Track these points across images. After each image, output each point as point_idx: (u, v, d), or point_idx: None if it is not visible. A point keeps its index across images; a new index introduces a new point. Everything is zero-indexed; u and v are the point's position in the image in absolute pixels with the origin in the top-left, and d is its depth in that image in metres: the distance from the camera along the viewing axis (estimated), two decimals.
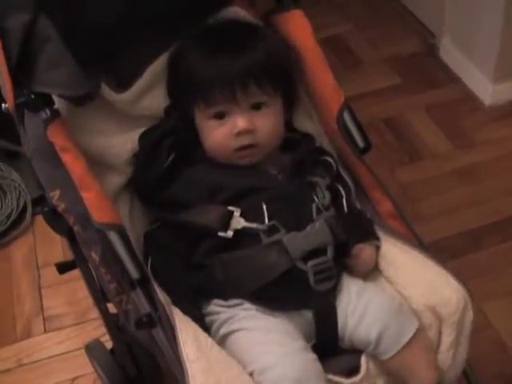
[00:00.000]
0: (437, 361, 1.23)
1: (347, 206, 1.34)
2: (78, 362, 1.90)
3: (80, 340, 1.95)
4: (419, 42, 2.74)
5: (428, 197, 2.18)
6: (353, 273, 1.30)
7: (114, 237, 1.12)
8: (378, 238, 1.32)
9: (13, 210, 2.24)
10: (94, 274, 1.37)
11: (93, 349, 1.78)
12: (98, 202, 1.15)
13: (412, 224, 1.33)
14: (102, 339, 1.80)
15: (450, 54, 2.59)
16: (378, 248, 1.30)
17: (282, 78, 1.29)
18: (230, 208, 1.22)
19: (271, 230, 1.21)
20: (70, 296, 2.08)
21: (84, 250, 1.25)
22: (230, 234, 1.21)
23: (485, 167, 2.26)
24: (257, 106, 1.26)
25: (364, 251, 1.29)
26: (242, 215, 1.22)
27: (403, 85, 2.57)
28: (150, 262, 1.24)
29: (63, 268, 1.56)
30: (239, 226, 1.21)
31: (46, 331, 2.02)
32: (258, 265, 1.20)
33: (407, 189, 2.20)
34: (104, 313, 1.54)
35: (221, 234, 1.21)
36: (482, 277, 1.95)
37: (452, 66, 2.59)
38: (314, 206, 1.26)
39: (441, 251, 1.97)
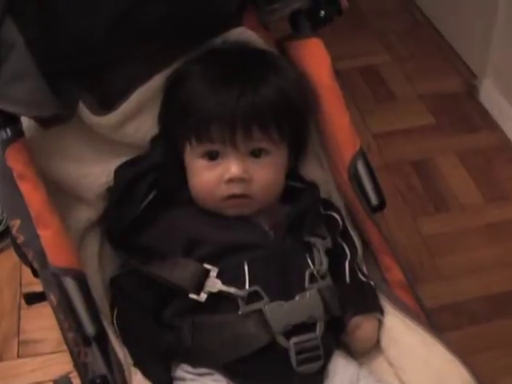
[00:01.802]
0: None
1: (350, 270, 1.21)
2: None
3: (54, 371, 1.80)
4: (459, 81, 2.60)
5: (451, 253, 2.02)
6: (350, 350, 1.17)
7: (69, 284, 1.02)
8: (381, 311, 1.18)
9: (0, 223, 2.10)
10: None
11: None
12: (56, 243, 1.03)
13: (422, 300, 1.20)
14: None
15: (491, 97, 2.46)
16: (380, 322, 1.18)
17: (292, 124, 1.15)
18: (207, 266, 1.10)
19: (252, 297, 1.08)
20: (49, 320, 1.90)
21: (45, 290, 1.12)
22: (202, 297, 1.08)
23: None
24: (257, 153, 1.13)
25: (362, 327, 1.16)
26: (219, 276, 1.09)
27: (436, 126, 2.42)
28: (115, 314, 1.14)
29: (31, 299, 1.41)
30: (214, 290, 1.08)
31: (18, 356, 1.88)
32: (233, 335, 1.07)
33: (429, 242, 2.04)
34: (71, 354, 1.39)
35: (192, 296, 1.08)
36: (502, 349, 1.80)
37: (491, 111, 2.46)
38: (307, 272, 1.12)
39: (459, 315, 1.84)
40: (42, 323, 1.93)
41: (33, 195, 1.03)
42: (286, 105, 1.12)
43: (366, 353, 1.17)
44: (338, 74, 1.23)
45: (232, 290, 1.08)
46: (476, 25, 2.50)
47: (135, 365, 1.08)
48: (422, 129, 2.42)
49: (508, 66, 2.37)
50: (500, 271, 1.97)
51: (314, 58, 1.21)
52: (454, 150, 2.34)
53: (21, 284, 2.03)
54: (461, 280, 1.94)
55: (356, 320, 1.15)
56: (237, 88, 1.09)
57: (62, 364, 1.81)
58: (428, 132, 2.40)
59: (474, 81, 2.54)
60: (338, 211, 1.24)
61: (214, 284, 1.08)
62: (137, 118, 1.19)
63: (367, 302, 1.18)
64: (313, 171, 1.27)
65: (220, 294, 1.08)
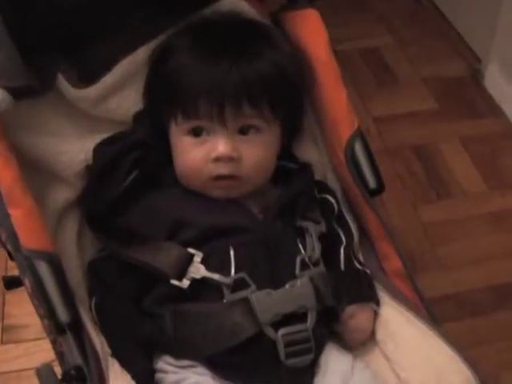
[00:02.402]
0: None
1: (345, 257, 1.14)
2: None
3: (37, 358, 1.75)
4: (463, 65, 2.57)
5: (453, 241, 1.98)
6: (343, 342, 1.10)
7: (42, 268, 0.96)
8: (377, 302, 1.12)
9: None
10: None
11: (42, 374, 1.58)
12: (27, 223, 0.97)
13: (422, 290, 1.13)
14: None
15: (496, 82, 2.42)
16: (376, 313, 1.12)
17: (286, 100, 1.09)
18: (191, 251, 1.03)
19: (238, 285, 1.02)
20: None
21: (20, 274, 1.06)
22: (185, 283, 1.02)
23: None
24: (246, 130, 1.06)
25: (357, 316, 1.10)
26: (203, 262, 1.03)
27: (440, 110, 2.37)
28: (93, 301, 1.08)
29: (10, 283, 1.35)
30: (198, 276, 1.02)
31: (2, 343, 1.83)
32: (217, 325, 1.01)
33: (429, 230, 2.00)
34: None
35: (174, 282, 1.02)
36: (505, 341, 1.76)
37: (496, 96, 2.42)
38: (298, 259, 1.06)
39: (461, 306, 1.81)
40: (28, 309, 1.86)
41: (3, 171, 0.96)
42: (279, 79, 1.06)
43: (360, 345, 1.12)
44: (336, 55, 1.17)
45: (216, 276, 1.02)
46: (481, 8, 2.47)
47: (113, 355, 1.03)
48: (424, 113, 2.37)
49: None
50: (504, 261, 1.93)
51: (311, 30, 1.15)
52: (458, 135, 2.30)
53: (6, 268, 1.94)
54: (463, 270, 1.91)
55: (350, 309, 1.09)
56: (227, 61, 1.03)
57: (46, 351, 1.74)
58: (431, 117, 2.36)
59: (479, 65, 2.51)
60: (334, 194, 1.18)
61: (198, 270, 1.02)
62: (119, 93, 1.13)
63: (362, 291, 1.12)
64: (307, 151, 1.21)
65: (204, 280, 1.02)
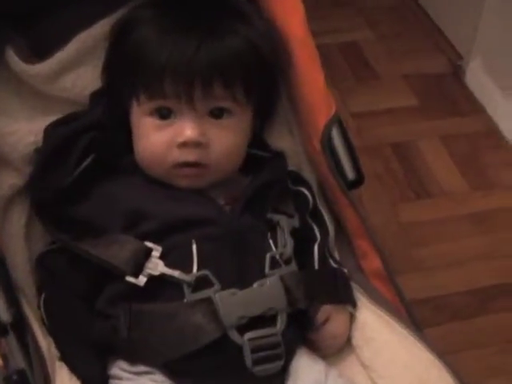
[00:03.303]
0: None
1: (319, 255, 1.08)
2: None
3: None
4: (444, 62, 2.53)
5: (432, 243, 1.93)
6: (315, 349, 1.03)
7: None
8: (353, 304, 1.06)
9: None
10: None
11: None
12: None
13: (403, 292, 1.07)
14: None
15: (478, 79, 2.40)
16: (352, 316, 1.06)
17: (261, 82, 1.01)
18: (149, 244, 0.95)
19: (200, 283, 0.94)
20: None
21: None
22: (141, 280, 0.94)
23: (504, 216, 2.00)
24: (217, 113, 0.98)
25: (331, 320, 1.03)
26: (162, 257, 0.95)
27: (420, 108, 2.34)
28: (42, 298, 1.00)
29: None
30: (155, 272, 0.94)
31: None
32: (176, 328, 0.93)
33: (408, 230, 1.95)
34: None
35: (129, 279, 0.94)
36: (487, 347, 1.73)
37: (477, 94, 2.39)
38: (268, 256, 0.98)
39: (439, 310, 1.77)
40: None
41: None
42: (254, 58, 0.99)
43: (334, 352, 1.06)
44: None
45: (176, 273, 0.94)
46: (463, 3, 2.45)
47: (61, 358, 0.97)
48: (404, 110, 2.33)
49: (496, 46, 2.31)
50: (485, 263, 1.90)
51: (286, 6, 1.06)
52: (438, 133, 2.26)
53: None
54: (443, 272, 1.87)
55: (324, 312, 1.02)
56: (197, 36, 0.96)
57: None
58: (411, 114, 2.32)
59: (460, 62, 2.48)
60: (309, 186, 1.11)
61: (156, 266, 0.94)
62: (75, 70, 1.05)
63: (338, 291, 1.05)
64: (280, 139, 1.13)
65: (163, 277, 0.94)
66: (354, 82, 2.38)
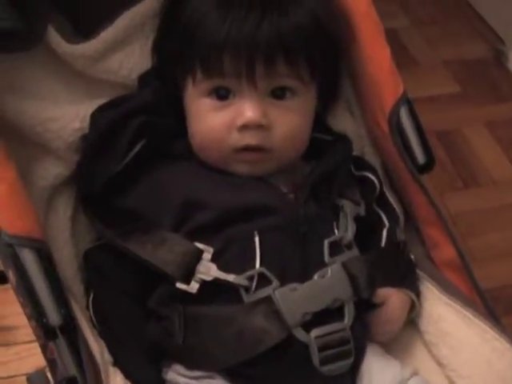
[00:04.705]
0: None
1: (387, 241, 1.01)
2: None
3: (30, 363, 1.66)
4: (485, 47, 2.51)
5: (483, 233, 1.89)
6: (372, 336, 0.97)
7: (27, 258, 0.83)
8: (417, 291, 1.00)
9: None
10: None
11: (33, 382, 1.47)
12: (10, 202, 0.84)
13: (478, 283, 1.02)
14: None
15: None
16: (413, 305, 0.99)
17: (325, 58, 0.95)
18: (199, 246, 0.89)
19: (258, 282, 0.89)
20: None
21: (3, 265, 0.91)
22: (194, 287, 0.89)
23: None
24: (279, 93, 0.92)
25: (388, 303, 0.96)
26: (218, 255, 0.89)
27: (463, 94, 2.32)
28: (91, 298, 0.96)
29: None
30: (208, 277, 0.89)
31: None
32: (237, 332, 0.88)
33: (457, 220, 1.90)
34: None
35: (180, 285, 0.89)
36: None
37: None
38: (326, 242, 0.92)
39: (494, 303, 1.67)
40: (20, 308, 1.81)
41: None
42: (319, 33, 0.92)
43: (387, 339, 0.99)
44: None
45: (231, 277, 0.88)
46: None
47: (115, 364, 0.91)
48: (447, 97, 2.31)
49: None
50: None
51: None
52: (483, 120, 2.24)
53: None
54: (494, 263, 1.82)
55: (382, 293, 0.95)
56: (258, 9, 0.89)
57: (39, 355, 1.68)
58: (454, 101, 2.30)
59: (502, 47, 2.44)
60: (375, 171, 1.04)
61: (209, 270, 0.89)
62: (122, 49, 0.99)
63: (400, 274, 0.99)
64: (342, 121, 1.07)
65: (217, 281, 0.89)
66: None
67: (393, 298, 0.96)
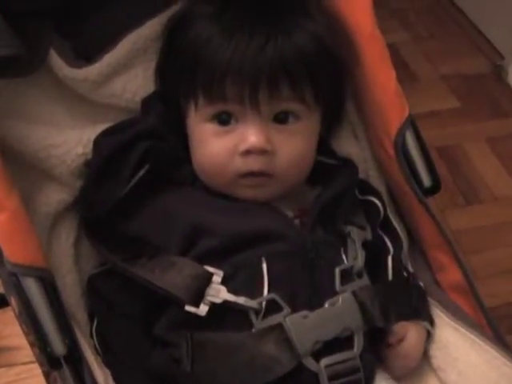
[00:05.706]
0: None
1: (393, 268, 1.00)
2: None
3: None
4: (484, 61, 2.51)
5: (485, 250, 1.88)
6: (389, 370, 0.95)
7: (31, 287, 0.82)
8: (431, 321, 0.98)
9: None
10: None
11: None
12: (12, 230, 0.83)
13: (486, 306, 1.01)
14: None
15: None
16: (429, 335, 0.98)
17: (329, 82, 0.94)
18: (209, 269, 0.88)
19: (268, 308, 0.87)
20: None
21: (5, 292, 0.91)
22: (203, 309, 0.87)
23: None
24: (282, 118, 0.91)
25: (407, 338, 0.95)
26: (226, 279, 0.87)
27: (463, 109, 2.32)
28: (95, 325, 0.96)
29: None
30: (218, 300, 0.87)
31: None
32: (246, 360, 0.86)
33: (459, 238, 1.88)
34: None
35: (189, 308, 0.87)
36: None
37: None
38: (337, 270, 0.91)
39: (497, 322, 1.66)
40: (19, 328, 1.79)
41: None
42: (323, 56, 0.92)
43: (403, 373, 0.97)
44: None
45: (242, 300, 0.87)
46: (500, 0, 2.42)
47: None
48: (447, 112, 2.31)
49: None
50: None
51: (353, 2, 0.98)
52: (484, 136, 2.23)
53: None
54: (496, 281, 1.80)
55: (401, 328, 0.94)
56: (261, 33, 0.88)
57: (40, 376, 1.66)
58: (454, 116, 2.29)
59: (502, 62, 2.44)
60: (379, 196, 1.03)
61: (218, 292, 0.87)
62: (125, 73, 0.98)
63: (415, 306, 0.98)
64: (346, 145, 1.06)
65: (226, 304, 0.87)
66: None
67: (411, 333, 0.96)
